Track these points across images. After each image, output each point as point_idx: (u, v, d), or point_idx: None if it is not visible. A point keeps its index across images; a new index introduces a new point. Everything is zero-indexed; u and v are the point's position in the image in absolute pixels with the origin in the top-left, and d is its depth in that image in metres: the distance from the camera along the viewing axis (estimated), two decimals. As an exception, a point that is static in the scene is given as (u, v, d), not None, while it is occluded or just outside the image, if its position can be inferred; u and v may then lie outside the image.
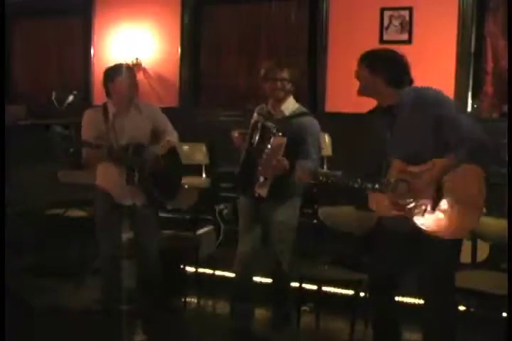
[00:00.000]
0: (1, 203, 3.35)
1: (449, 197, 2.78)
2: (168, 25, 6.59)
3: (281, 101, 3.62)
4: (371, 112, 3.06)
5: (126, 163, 3.76)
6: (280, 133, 3.39)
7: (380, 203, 2.93)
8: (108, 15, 6.80)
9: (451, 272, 2.93)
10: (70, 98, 6.46)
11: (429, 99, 2.84)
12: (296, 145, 3.47)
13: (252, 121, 3.65)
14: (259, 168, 3.46)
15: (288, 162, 3.36)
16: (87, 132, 3.78)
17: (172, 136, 3.98)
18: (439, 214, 2.80)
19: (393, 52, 2.98)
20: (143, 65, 6.65)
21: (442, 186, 2.78)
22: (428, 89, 2.91)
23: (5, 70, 6.90)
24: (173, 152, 3.98)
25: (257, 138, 3.54)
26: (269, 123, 3.50)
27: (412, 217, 2.85)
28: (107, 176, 3.88)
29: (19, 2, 6.62)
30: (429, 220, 2.81)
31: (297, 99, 3.72)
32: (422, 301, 3.09)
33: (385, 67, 2.92)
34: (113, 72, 3.80)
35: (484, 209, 2.87)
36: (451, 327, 2.93)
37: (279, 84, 3.57)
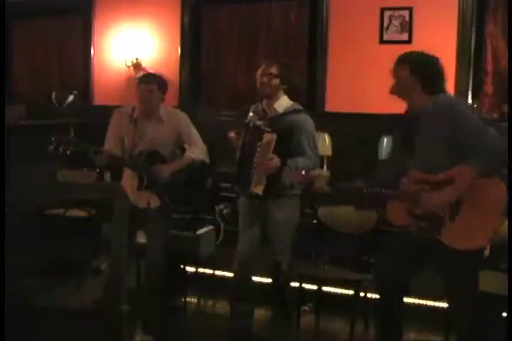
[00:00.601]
0: (1, 203, 3.35)
1: (468, 208, 2.74)
2: (168, 25, 6.58)
3: (272, 98, 3.62)
4: (402, 116, 3.03)
5: (134, 169, 3.80)
6: (269, 129, 3.39)
7: (397, 212, 2.91)
8: (108, 15, 6.79)
9: (476, 279, 2.91)
10: (70, 98, 6.46)
11: (448, 104, 2.81)
12: (289, 143, 3.46)
13: (246, 120, 3.65)
14: (253, 168, 3.47)
15: (280, 160, 3.36)
16: (112, 131, 3.91)
17: (193, 150, 3.96)
18: (457, 225, 2.77)
19: (436, 59, 2.93)
20: (143, 65, 6.64)
21: (461, 197, 2.75)
22: (456, 97, 2.88)
23: (5, 70, 6.90)
24: (196, 165, 3.96)
25: (249, 137, 3.55)
26: (259, 122, 3.51)
27: (430, 227, 2.82)
28: (126, 178, 3.97)
29: (19, 2, 6.62)
30: (447, 231, 2.79)
31: (294, 99, 3.72)
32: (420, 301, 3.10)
33: (426, 71, 2.87)
34: (142, 78, 3.95)
35: (505, 219, 2.82)
36: (482, 330, 2.92)
37: (265, 79, 3.59)
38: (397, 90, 2.95)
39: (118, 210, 3.98)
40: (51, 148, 3.58)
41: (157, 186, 3.81)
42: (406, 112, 3.03)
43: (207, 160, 4.03)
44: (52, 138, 3.59)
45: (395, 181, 2.92)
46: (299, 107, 3.68)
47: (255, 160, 3.46)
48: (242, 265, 3.75)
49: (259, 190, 3.50)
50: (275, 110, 3.62)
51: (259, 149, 3.44)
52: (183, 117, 4.04)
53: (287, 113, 3.60)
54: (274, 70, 3.59)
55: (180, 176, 3.91)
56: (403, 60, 2.94)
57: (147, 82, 3.89)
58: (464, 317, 2.89)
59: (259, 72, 3.65)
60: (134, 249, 4.09)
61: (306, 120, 3.61)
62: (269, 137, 3.40)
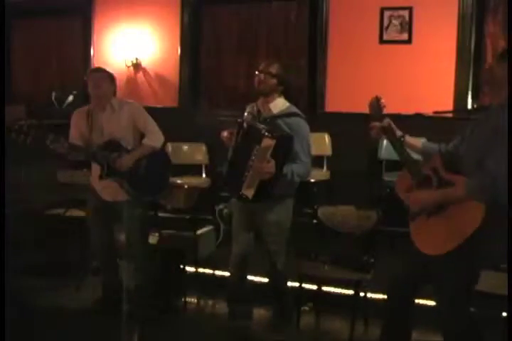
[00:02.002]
0: (1, 203, 3.35)
1: (444, 216, 2.76)
2: (168, 25, 6.59)
3: (267, 97, 3.58)
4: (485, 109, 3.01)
5: (94, 159, 3.93)
6: (269, 135, 3.33)
7: (403, 182, 2.93)
8: (108, 15, 6.80)
9: (468, 282, 2.91)
10: (70, 98, 6.46)
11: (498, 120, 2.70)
12: (288, 150, 3.41)
13: (239, 119, 3.59)
14: (246, 170, 3.42)
15: (274, 165, 3.33)
16: (72, 132, 4.04)
17: (151, 138, 4.02)
18: (427, 226, 2.81)
19: None
20: (143, 65, 6.65)
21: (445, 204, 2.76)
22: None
23: (5, 70, 6.90)
24: (156, 152, 4.03)
25: (242, 137, 3.50)
26: (258, 124, 3.47)
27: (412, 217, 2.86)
28: (93, 172, 4.07)
29: (19, 2, 6.63)
30: (416, 227, 2.84)
31: (292, 100, 3.68)
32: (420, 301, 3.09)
33: None
34: (93, 69, 4.29)
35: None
36: (469, 331, 2.91)
37: (262, 77, 3.55)
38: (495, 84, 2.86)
39: (92, 209, 4.08)
40: (13, 135, 3.65)
41: (117, 174, 3.89)
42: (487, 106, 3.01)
43: (159, 146, 4.07)
44: (15, 127, 3.65)
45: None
46: (295, 110, 3.61)
47: (250, 163, 3.41)
48: (237, 266, 3.73)
49: (249, 193, 3.45)
50: (270, 110, 3.57)
51: (255, 152, 3.39)
52: (136, 106, 4.12)
53: (282, 115, 3.54)
54: (273, 70, 3.56)
55: (140, 164, 3.97)
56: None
57: (98, 71, 4.11)
58: (450, 318, 2.88)
59: (258, 69, 3.61)
60: (116, 248, 4.15)
61: (300, 124, 3.55)
62: (268, 142, 3.34)
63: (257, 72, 3.60)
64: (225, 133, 3.63)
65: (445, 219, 2.76)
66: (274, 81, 3.56)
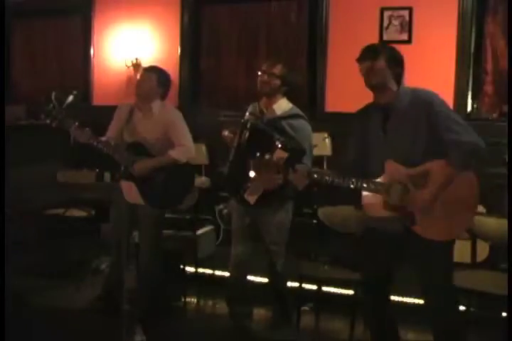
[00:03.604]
0: (1, 203, 3.35)
1: (443, 201, 2.80)
2: (168, 25, 6.58)
3: (270, 98, 3.55)
4: (364, 110, 3.08)
5: (113, 155, 3.84)
6: (281, 146, 3.24)
7: (372, 203, 2.93)
8: (108, 15, 6.79)
9: (448, 271, 2.94)
10: (70, 98, 6.43)
11: (426, 99, 2.87)
12: (298, 162, 3.38)
13: (242, 120, 3.55)
14: (251, 176, 3.36)
15: (282, 178, 3.31)
16: (113, 123, 4.03)
17: (178, 150, 3.90)
18: (432, 217, 2.81)
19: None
20: (143, 64, 6.64)
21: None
22: (424, 90, 2.94)
23: (5, 70, 6.90)
24: (181, 168, 3.92)
25: (246, 138, 3.46)
26: (268, 128, 3.42)
27: (405, 219, 2.85)
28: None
29: (19, 2, 6.62)
30: (422, 221, 2.83)
31: (295, 101, 3.66)
32: (421, 301, 3.10)
33: (398, 64, 2.98)
34: (147, 67, 4.18)
35: (481, 209, 2.89)
36: (457, 327, 2.93)
37: (266, 77, 3.51)
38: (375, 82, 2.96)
39: (115, 209, 4.01)
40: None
41: (130, 178, 3.74)
42: (368, 106, 3.07)
43: (190, 161, 3.99)
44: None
45: (362, 170, 2.96)
46: (298, 112, 3.58)
47: (256, 169, 3.33)
48: (236, 267, 3.72)
49: (252, 199, 3.42)
50: (273, 111, 3.55)
51: (265, 161, 3.30)
52: (176, 114, 4.02)
53: (286, 116, 3.52)
54: (276, 70, 3.52)
55: (158, 174, 3.86)
56: (379, 52, 2.99)
57: (148, 70, 4.05)
58: (440, 313, 2.88)
59: (261, 69, 3.57)
60: (131, 248, 4.11)
61: (304, 127, 3.53)
62: (281, 154, 3.30)
63: (259, 73, 3.56)
64: (226, 133, 3.61)
65: (446, 204, 2.78)
66: (277, 82, 3.53)
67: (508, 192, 2.68)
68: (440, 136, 2.78)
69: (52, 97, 6.62)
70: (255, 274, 4.18)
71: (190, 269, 4.53)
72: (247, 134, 3.46)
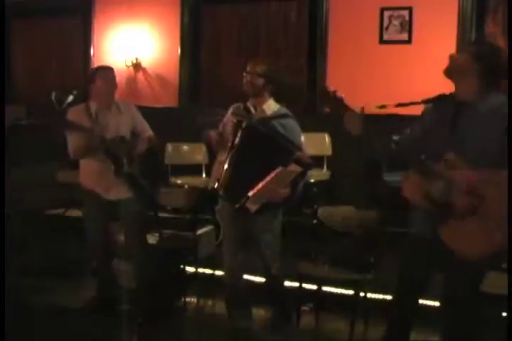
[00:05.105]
0: (1, 203, 3.35)
1: (481, 216, 2.66)
2: (167, 25, 6.58)
3: (257, 98, 3.52)
4: (438, 100, 3.02)
5: (115, 151, 3.87)
6: (296, 160, 3.22)
7: (413, 186, 2.81)
8: (107, 15, 6.80)
9: (476, 282, 2.89)
10: (70, 98, 6.43)
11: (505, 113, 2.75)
12: (277, 147, 3.37)
13: (234, 120, 3.48)
14: (260, 186, 3.30)
15: (290, 191, 3.29)
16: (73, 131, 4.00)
17: (151, 134, 4.11)
18: (463, 224, 2.69)
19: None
20: (143, 64, 6.65)
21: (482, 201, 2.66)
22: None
23: (5, 70, 6.90)
24: (152, 152, 4.10)
25: (242, 139, 3.37)
26: (281, 137, 3.38)
27: (436, 219, 2.76)
28: (90, 173, 4.01)
29: (19, 2, 6.62)
30: (450, 226, 2.72)
31: (284, 99, 3.65)
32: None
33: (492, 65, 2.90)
34: (93, 73, 4.14)
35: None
36: (471, 331, 2.90)
37: (248, 77, 3.52)
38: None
39: (87, 208, 4.07)
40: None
41: (129, 170, 3.90)
42: (441, 97, 3.02)
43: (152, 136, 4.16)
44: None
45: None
46: (286, 111, 3.56)
47: (263, 180, 3.29)
48: (231, 270, 3.68)
49: (253, 207, 3.36)
50: (263, 111, 3.52)
51: (277, 174, 3.27)
52: (135, 108, 4.18)
53: (276, 116, 3.51)
54: (259, 69, 3.50)
55: (141, 160, 4.03)
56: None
57: (109, 68, 4.11)
58: (457, 318, 2.87)
59: (245, 70, 3.57)
60: (112, 247, 4.14)
61: (294, 126, 3.52)
62: (294, 168, 3.27)
63: (244, 74, 3.56)
64: (212, 133, 3.56)
65: (480, 219, 2.66)
66: (261, 81, 3.49)
67: (508, 192, 2.65)
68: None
69: (52, 97, 6.63)
70: (255, 274, 4.17)
71: (190, 269, 4.53)
72: (241, 136, 3.39)
